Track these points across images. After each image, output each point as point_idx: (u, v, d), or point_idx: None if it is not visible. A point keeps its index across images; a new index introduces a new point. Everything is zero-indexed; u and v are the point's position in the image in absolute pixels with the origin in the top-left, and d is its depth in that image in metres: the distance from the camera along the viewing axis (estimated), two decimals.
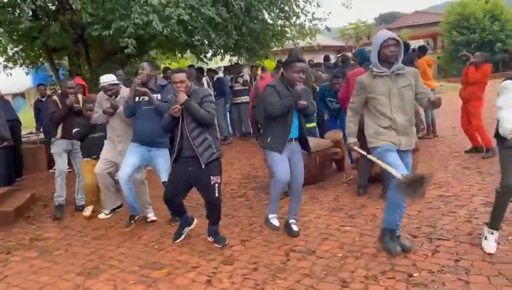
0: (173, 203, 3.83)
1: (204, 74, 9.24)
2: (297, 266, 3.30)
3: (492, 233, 3.18)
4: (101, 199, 4.89)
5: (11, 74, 9.57)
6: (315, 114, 5.25)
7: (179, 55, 10.26)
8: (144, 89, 4.08)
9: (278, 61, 10.26)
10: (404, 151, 3.31)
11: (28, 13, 6.80)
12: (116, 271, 3.51)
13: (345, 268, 3.18)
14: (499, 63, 18.95)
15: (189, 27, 7.12)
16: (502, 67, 18.99)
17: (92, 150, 4.88)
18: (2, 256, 4.06)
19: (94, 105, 4.78)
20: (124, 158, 4.21)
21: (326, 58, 10.98)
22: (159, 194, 4.23)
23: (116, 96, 4.46)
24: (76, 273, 3.53)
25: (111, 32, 6.38)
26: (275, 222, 3.94)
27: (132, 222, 4.38)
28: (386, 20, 49.48)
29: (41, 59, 9.69)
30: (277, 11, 8.93)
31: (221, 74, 10.50)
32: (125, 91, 4.46)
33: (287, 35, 9.70)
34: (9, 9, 7.21)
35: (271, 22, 9.14)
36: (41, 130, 8.30)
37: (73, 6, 6.81)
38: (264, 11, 8.47)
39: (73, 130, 4.86)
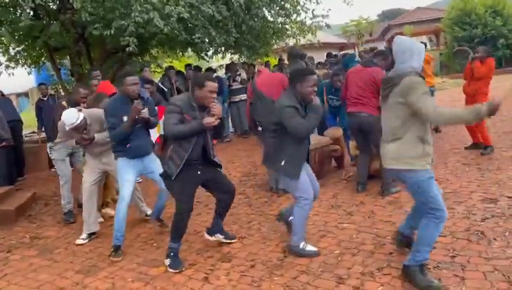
0: (188, 216, 3.45)
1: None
2: (294, 262, 3.31)
3: None
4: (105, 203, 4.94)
5: (13, 74, 9.62)
6: None
7: (180, 53, 10.28)
8: (146, 117, 3.81)
9: (279, 59, 10.25)
10: None
11: (29, 12, 6.84)
12: (115, 269, 3.54)
13: (342, 265, 3.19)
14: (502, 59, 18.83)
15: (190, 25, 7.12)
16: (504, 63, 18.89)
17: None
18: (2, 255, 4.10)
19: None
20: (123, 176, 3.86)
21: (329, 55, 10.97)
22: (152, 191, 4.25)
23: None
24: (75, 271, 3.57)
25: (112, 31, 6.39)
26: (310, 247, 3.45)
27: (120, 252, 3.79)
28: (388, 16, 49.32)
29: (43, 59, 9.73)
30: (277, 8, 8.91)
31: (223, 72, 10.49)
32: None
33: (288, 32, 9.69)
34: (11, 9, 7.25)
35: (271, 19, 9.14)
36: (43, 129, 8.35)
37: (74, 6, 6.85)
38: (264, 8, 8.45)
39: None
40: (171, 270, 3.38)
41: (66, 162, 4.98)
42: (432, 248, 2.86)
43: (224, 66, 11.08)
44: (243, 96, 8.69)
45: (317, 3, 9.25)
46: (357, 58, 8.15)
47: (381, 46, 12.35)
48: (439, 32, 24.79)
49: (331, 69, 7.92)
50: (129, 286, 3.23)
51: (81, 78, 8.38)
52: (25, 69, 10.01)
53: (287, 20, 9.37)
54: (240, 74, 9.09)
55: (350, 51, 18.44)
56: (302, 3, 9.21)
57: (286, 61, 8.11)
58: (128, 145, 3.83)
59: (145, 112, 3.77)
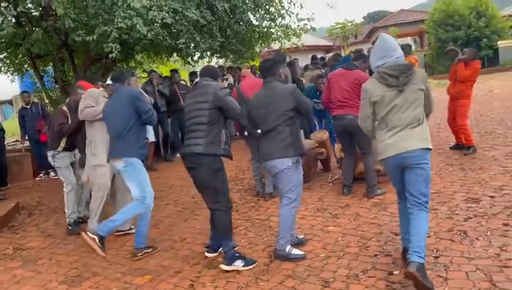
0: None
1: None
2: (280, 267, 3.31)
3: None
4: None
5: None
6: None
7: (166, 58, 10.24)
8: None
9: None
10: None
11: (11, 20, 6.75)
12: (99, 279, 3.50)
13: (327, 268, 3.20)
14: (485, 60, 19.12)
15: (174, 30, 7.10)
16: (487, 64, 19.19)
17: None
18: None
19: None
20: (144, 180, 3.85)
21: (314, 58, 11.02)
22: None
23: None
24: (59, 282, 3.52)
25: (95, 37, 6.34)
26: (296, 251, 3.45)
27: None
28: (374, 18, 49.80)
29: (25, 66, 9.62)
30: (262, 12, 8.93)
31: None
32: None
33: (273, 36, 9.71)
34: None
35: (256, 23, 9.14)
36: (26, 137, 8.24)
37: (57, 12, 6.79)
38: (248, 12, 8.46)
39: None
40: (248, 268, 3.29)
41: (71, 170, 4.82)
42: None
43: None
44: None
45: (301, 7, 9.30)
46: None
47: (367, 48, 12.44)
48: (423, 33, 25.11)
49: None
50: None
51: (65, 86, 8.30)
52: (8, 76, 9.88)
53: (272, 24, 9.39)
54: (228, 79, 9.08)
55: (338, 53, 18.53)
56: (286, 7, 9.25)
57: None
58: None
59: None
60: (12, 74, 9.81)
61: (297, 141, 3.48)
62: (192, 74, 9.65)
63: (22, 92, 8.31)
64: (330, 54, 17.24)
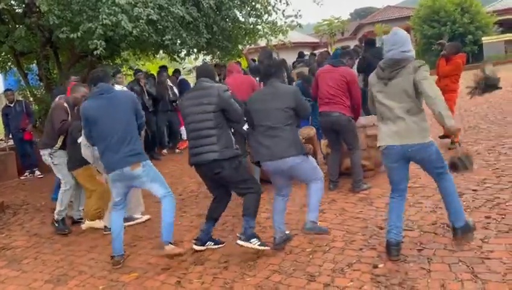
0: None
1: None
2: (267, 262, 3.33)
3: None
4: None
5: None
6: None
7: (152, 55, 10.17)
8: None
9: (252, 59, 10.26)
10: None
11: None
12: (86, 277, 3.48)
13: (313, 262, 3.23)
14: (469, 55, 19.39)
15: (160, 27, 7.05)
16: (472, 60, 19.46)
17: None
18: None
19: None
20: (160, 176, 3.70)
21: (301, 55, 11.06)
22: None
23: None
24: (44, 281, 3.50)
25: (79, 34, 6.27)
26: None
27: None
28: (361, 15, 50.09)
29: (9, 64, 9.47)
30: (248, 9, 8.92)
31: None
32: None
33: (259, 33, 9.70)
34: None
35: (242, 19, 9.13)
36: (10, 136, 8.13)
37: (40, 9, 6.69)
38: (235, 9, 8.45)
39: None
40: (262, 248, 3.39)
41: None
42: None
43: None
44: None
45: (287, 3, 9.30)
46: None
47: (353, 44, 12.50)
48: (409, 30, 25.32)
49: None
50: None
51: (49, 84, 8.20)
52: None
53: (259, 20, 9.38)
54: None
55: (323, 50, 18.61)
56: (273, 3, 9.25)
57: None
58: None
59: None
60: None
61: (298, 141, 3.49)
62: (176, 72, 9.61)
63: (6, 90, 8.20)
64: (320, 50, 17.35)
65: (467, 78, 4.30)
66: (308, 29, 30.86)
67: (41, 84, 8.95)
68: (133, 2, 6.35)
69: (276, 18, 9.54)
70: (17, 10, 7.76)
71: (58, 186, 4.78)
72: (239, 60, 10.38)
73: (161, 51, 9.26)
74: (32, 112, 8.26)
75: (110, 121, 3.50)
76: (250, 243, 3.38)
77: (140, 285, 3.23)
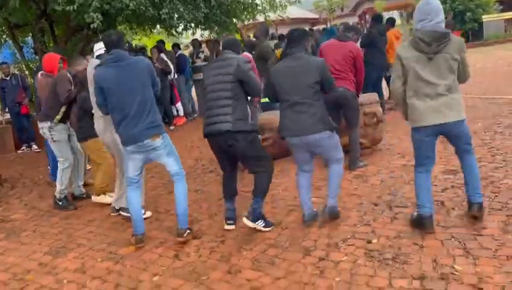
0: None
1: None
2: (263, 237, 3.39)
3: None
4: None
5: None
6: None
7: (149, 30, 10.03)
8: None
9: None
10: None
11: None
12: (84, 249, 3.54)
13: (309, 237, 3.28)
14: (469, 33, 19.22)
15: (156, 0, 6.94)
16: (472, 38, 19.28)
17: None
18: None
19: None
20: (175, 151, 3.59)
21: None
22: None
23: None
24: (43, 253, 3.55)
25: (75, 7, 6.16)
26: None
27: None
28: None
29: (4, 36, 9.34)
30: None
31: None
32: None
33: (258, 8, 9.57)
34: None
35: None
36: (7, 110, 8.09)
37: None
38: None
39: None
40: (268, 229, 3.44)
41: (68, 144, 4.64)
42: None
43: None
44: None
45: None
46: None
47: (352, 21, 12.37)
48: (409, 7, 24.96)
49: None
50: (99, 266, 3.24)
51: None
52: None
53: None
54: (203, 51, 8.97)
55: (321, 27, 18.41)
56: None
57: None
58: None
59: None
60: None
61: (326, 116, 3.38)
62: (175, 46, 9.51)
63: (1, 63, 8.09)
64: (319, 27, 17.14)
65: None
66: (308, 5, 30.36)
67: (37, 57, 8.85)
68: None
69: None
70: None
71: (55, 166, 4.76)
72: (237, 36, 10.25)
73: (158, 26, 9.13)
74: (28, 85, 8.19)
75: (127, 91, 3.29)
76: (257, 224, 3.44)
77: (138, 258, 3.29)
